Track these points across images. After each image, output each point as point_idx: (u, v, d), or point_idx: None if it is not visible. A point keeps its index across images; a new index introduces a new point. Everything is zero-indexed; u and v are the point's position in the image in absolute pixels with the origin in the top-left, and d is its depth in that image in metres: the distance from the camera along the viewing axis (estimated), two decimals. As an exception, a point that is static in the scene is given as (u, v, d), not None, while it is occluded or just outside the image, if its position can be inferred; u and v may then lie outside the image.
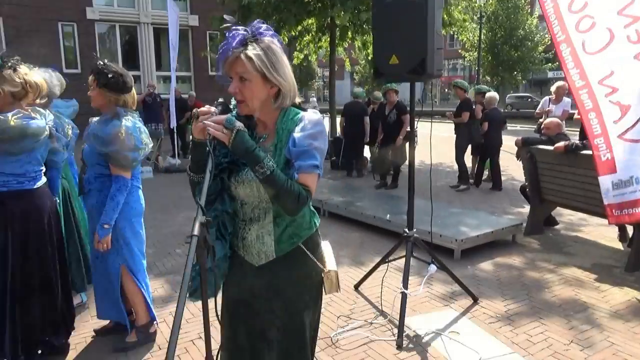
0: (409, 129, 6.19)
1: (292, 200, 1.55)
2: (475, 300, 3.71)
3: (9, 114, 2.52)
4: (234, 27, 1.58)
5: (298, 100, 1.69)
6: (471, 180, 8.20)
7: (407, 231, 3.55)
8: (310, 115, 1.64)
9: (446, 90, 46.24)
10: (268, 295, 1.74)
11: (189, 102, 11.03)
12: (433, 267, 3.53)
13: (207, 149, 1.49)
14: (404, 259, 3.52)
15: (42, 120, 2.71)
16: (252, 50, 1.54)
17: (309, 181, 1.59)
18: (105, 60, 2.89)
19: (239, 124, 1.50)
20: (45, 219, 2.76)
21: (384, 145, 7.99)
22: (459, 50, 33.88)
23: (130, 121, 2.82)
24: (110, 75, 2.78)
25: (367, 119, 8.95)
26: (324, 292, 1.87)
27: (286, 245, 1.71)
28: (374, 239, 5.30)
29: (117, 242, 2.90)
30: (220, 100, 1.67)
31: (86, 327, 3.35)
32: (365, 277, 3.96)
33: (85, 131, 2.93)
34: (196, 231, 1.32)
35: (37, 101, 2.81)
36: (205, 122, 1.48)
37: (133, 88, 2.94)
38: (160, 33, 17.05)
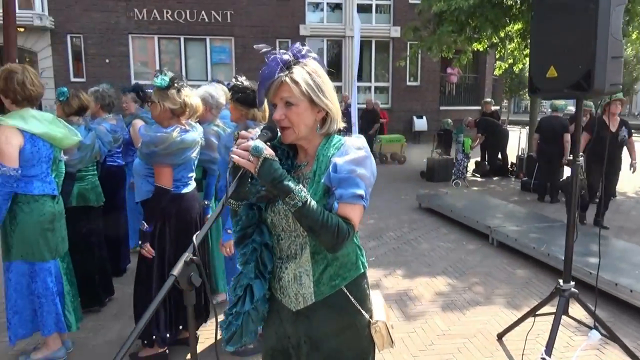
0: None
1: (330, 235, 1.37)
2: (660, 388, 2.79)
3: (170, 130, 2.86)
4: (273, 51, 1.45)
5: (341, 125, 1.52)
6: None
7: (562, 283, 2.86)
8: (353, 140, 1.47)
9: None
10: (306, 348, 1.55)
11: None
12: (595, 335, 2.77)
13: (227, 176, 1.39)
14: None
15: (196, 133, 3.02)
16: (298, 74, 1.43)
17: (351, 213, 1.41)
18: (242, 77, 3.06)
19: (268, 152, 1.36)
20: (193, 221, 3.08)
21: (596, 168, 6.48)
22: None
23: (257, 134, 2.94)
24: (241, 91, 2.94)
25: (567, 137, 7.68)
26: (376, 349, 1.60)
27: (327, 287, 1.50)
28: (544, 280, 4.48)
29: None
30: (267, 124, 1.56)
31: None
32: (511, 326, 3.35)
33: (219, 143, 3.16)
34: (176, 271, 1.22)
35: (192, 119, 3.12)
36: (233, 148, 1.38)
37: (265, 103, 3.04)
38: (364, 45, 17.76)
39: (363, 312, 1.55)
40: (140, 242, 2.95)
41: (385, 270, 4.76)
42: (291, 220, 1.47)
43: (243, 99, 2.96)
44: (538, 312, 3.11)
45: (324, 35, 17.36)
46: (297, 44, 1.52)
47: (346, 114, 11.38)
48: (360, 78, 17.89)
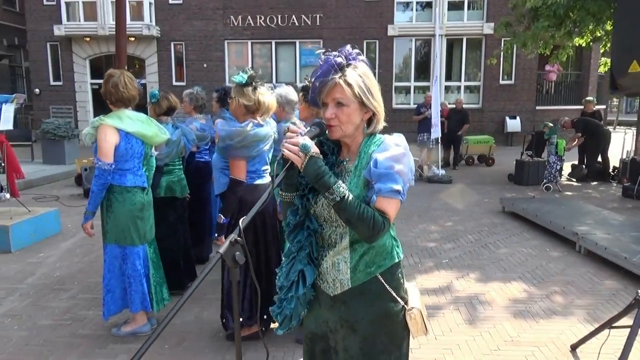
0: None
1: (366, 227, 1.48)
2: None
3: (244, 124, 3.09)
4: (327, 53, 1.57)
5: (383, 124, 1.63)
6: None
7: (641, 294, 2.65)
8: (393, 138, 1.57)
9: None
10: (343, 332, 1.64)
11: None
12: (678, 352, 2.53)
13: (275, 167, 1.53)
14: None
15: (269, 127, 3.22)
16: (351, 77, 1.54)
17: (387, 207, 1.51)
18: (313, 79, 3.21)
19: (314, 150, 1.49)
20: (267, 211, 3.25)
21: None
22: None
23: (323, 134, 3.07)
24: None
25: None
26: (411, 337, 1.66)
27: (362, 274, 1.59)
28: (634, 293, 4.11)
29: None
30: (317, 120, 1.67)
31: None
32: (586, 338, 3.15)
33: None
34: (222, 249, 1.36)
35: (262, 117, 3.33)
36: (285, 142, 1.51)
37: None
38: (454, 43, 17.28)
39: (398, 298, 1.62)
40: (216, 234, 3.18)
41: (457, 272, 4.66)
42: (332, 212, 1.57)
43: (316, 101, 3.10)
44: (616, 325, 2.90)
45: (413, 34, 17.13)
46: (348, 47, 1.62)
47: (424, 121, 10.87)
48: (449, 77, 17.46)
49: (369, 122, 1.61)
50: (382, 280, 1.60)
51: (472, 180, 10.04)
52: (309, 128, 1.62)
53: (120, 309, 3.36)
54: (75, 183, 9.34)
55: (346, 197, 1.47)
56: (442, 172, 9.98)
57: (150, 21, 16.57)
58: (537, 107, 17.18)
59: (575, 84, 18.28)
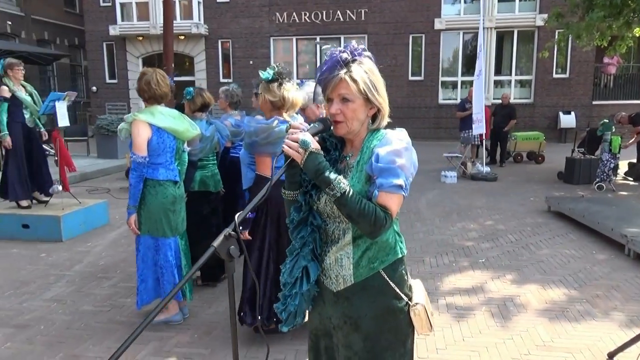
0: None
1: (367, 223, 1.48)
2: None
3: (270, 121, 3.13)
4: (332, 49, 1.58)
5: (387, 120, 1.63)
6: None
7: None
8: (395, 132, 1.56)
9: None
10: (346, 328, 1.64)
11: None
12: None
13: (273, 165, 1.55)
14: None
15: (295, 123, 3.25)
16: (357, 72, 1.54)
17: (390, 202, 1.50)
18: None
19: (314, 146, 1.49)
20: None
21: None
22: None
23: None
24: None
25: None
26: (415, 333, 1.65)
27: (365, 270, 1.59)
28: (686, 300, 3.86)
29: None
30: (323, 116, 1.67)
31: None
32: (625, 345, 2.98)
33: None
34: (216, 243, 1.39)
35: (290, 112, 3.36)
36: (286, 139, 1.53)
37: None
38: (504, 36, 16.70)
39: (401, 294, 1.60)
40: (240, 227, 3.22)
41: (493, 273, 4.52)
42: (336, 208, 1.56)
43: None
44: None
45: (461, 28, 16.69)
46: (353, 42, 1.62)
47: (467, 117, 10.44)
48: (499, 72, 16.88)
49: (374, 118, 1.60)
50: (385, 276, 1.59)
51: (518, 178, 9.69)
52: (312, 125, 1.62)
53: (152, 298, 3.49)
54: (125, 176, 9.77)
55: (347, 192, 1.46)
56: (486, 169, 9.69)
57: (199, 20, 17.03)
58: (594, 102, 16.32)
59: (636, 77, 17.21)
